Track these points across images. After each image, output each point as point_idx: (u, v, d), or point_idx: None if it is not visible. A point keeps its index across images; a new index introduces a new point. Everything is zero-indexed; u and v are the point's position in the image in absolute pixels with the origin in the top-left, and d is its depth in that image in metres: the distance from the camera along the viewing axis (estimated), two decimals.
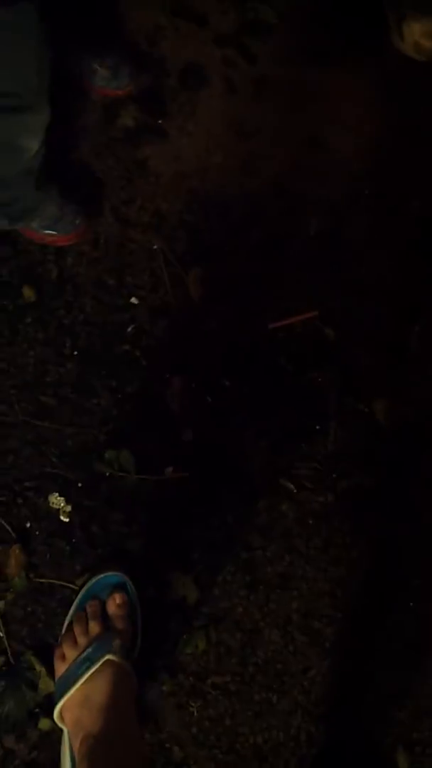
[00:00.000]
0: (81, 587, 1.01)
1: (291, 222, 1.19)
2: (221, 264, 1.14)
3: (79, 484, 1.05)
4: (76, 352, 1.08)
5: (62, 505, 1.03)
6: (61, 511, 1.03)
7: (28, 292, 1.07)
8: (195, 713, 1.06)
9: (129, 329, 1.10)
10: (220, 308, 1.13)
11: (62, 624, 1.00)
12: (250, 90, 1.19)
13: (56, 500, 1.03)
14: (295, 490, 1.13)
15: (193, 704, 1.06)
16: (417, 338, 1.21)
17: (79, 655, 0.94)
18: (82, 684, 0.91)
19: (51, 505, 1.03)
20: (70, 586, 1.02)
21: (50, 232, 1.05)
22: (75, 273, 1.09)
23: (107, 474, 1.05)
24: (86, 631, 0.96)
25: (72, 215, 1.05)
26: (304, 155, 1.21)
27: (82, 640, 0.95)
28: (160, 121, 1.15)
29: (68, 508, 1.04)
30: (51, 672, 0.98)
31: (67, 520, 1.04)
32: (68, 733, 0.92)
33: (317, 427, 1.15)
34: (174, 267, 1.12)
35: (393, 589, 1.16)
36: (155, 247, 1.12)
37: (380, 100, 1.24)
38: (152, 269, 1.11)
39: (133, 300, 1.10)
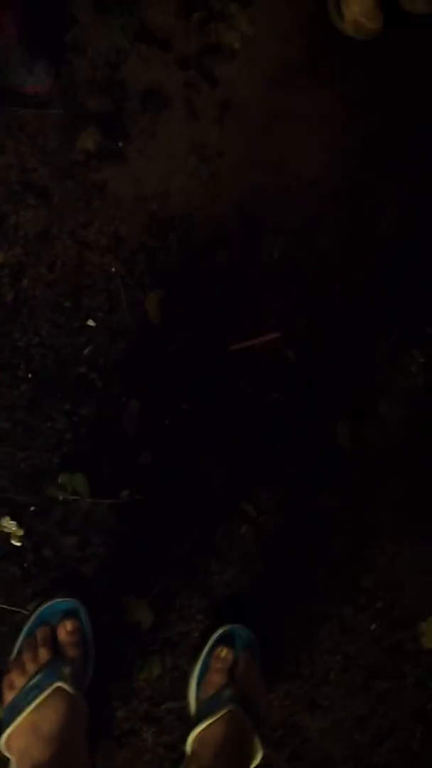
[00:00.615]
0: (32, 612, 1.01)
1: (254, 245, 1.19)
2: (181, 287, 1.14)
3: (32, 508, 1.04)
4: (30, 375, 1.08)
5: (14, 529, 1.03)
6: (12, 535, 1.03)
7: None
8: (149, 739, 1.05)
9: (85, 351, 1.10)
10: (179, 331, 1.13)
11: (12, 650, 0.99)
12: (212, 113, 1.20)
13: (8, 524, 1.03)
14: (255, 514, 1.12)
15: (147, 730, 1.05)
16: (380, 361, 1.21)
17: (28, 682, 0.93)
18: (30, 712, 0.91)
19: (2, 529, 1.03)
20: (21, 611, 1.02)
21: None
22: (31, 295, 1.09)
23: (60, 498, 1.05)
24: (36, 658, 0.95)
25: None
26: (268, 178, 1.21)
27: (31, 667, 0.95)
28: (120, 144, 1.15)
29: (20, 532, 1.03)
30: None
31: (18, 544, 1.03)
32: (15, 762, 0.91)
33: (278, 450, 1.15)
34: (132, 289, 1.12)
35: (354, 612, 1.16)
36: (113, 269, 1.12)
37: (345, 120, 1.25)
38: (110, 291, 1.12)
39: (90, 322, 1.10)
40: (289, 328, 1.18)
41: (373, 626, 1.17)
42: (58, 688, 0.91)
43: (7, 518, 1.03)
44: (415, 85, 1.27)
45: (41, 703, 0.91)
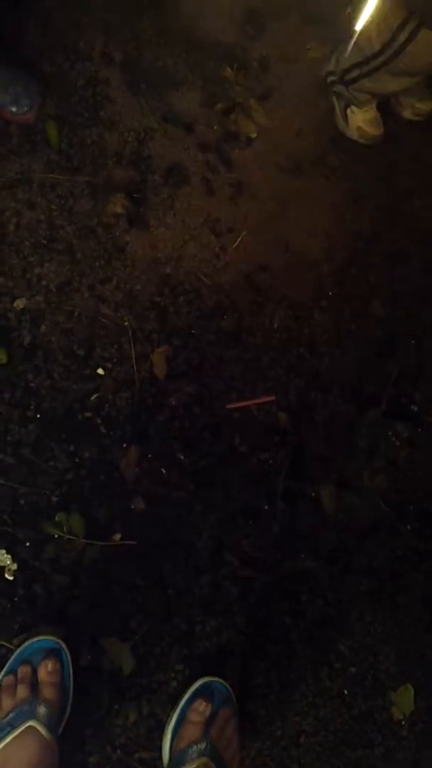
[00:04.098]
0: (17, 648, 1.02)
1: (256, 314, 1.27)
2: (186, 345, 1.21)
3: (27, 543, 1.07)
4: (39, 415, 1.12)
5: (8, 562, 1.05)
6: (6, 569, 1.05)
7: (0, 355, 1.12)
8: None
9: (92, 398, 1.15)
10: (181, 386, 1.19)
11: None
12: (226, 192, 1.30)
13: (3, 557, 1.05)
14: (238, 567, 1.15)
15: None
16: (366, 432, 1.27)
17: (2, 718, 0.93)
18: (0, 749, 0.90)
19: None
20: (7, 645, 1.03)
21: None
22: (47, 341, 1.15)
23: (55, 536, 1.08)
24: (13, 695, 0.96)
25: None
26: (274, 255, 1.31)
27: (7, 704, 0.95)
28: (141, 210, 1.24)
29: (14, 567, 1.05)
30: None
31: (11, 578, 1.05)
32: None
33: (265, 507, 1.19)
34: (142, 344, 1.19)
35: (328, 675, 1.17)
36: (126, 323, 1.19)
37: (347, 209, 1.36)
38: (121, 344, 1.18)
39: (100, 371, 1.16)
40: (283, 393, 1.24)
41: (345, 691, 1.18)
42: (31, 727, 0.91)
43: (3, 551, 1.05)
44: (412, 183, 1.39)
45: (12, 741, 0.90)
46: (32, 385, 1.13)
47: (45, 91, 1.23)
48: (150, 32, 1.32)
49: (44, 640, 1.01)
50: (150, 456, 1.15)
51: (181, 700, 1.05)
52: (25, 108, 1.17)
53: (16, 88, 1.16)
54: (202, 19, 1.34)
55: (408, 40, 1.04)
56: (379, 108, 1.36)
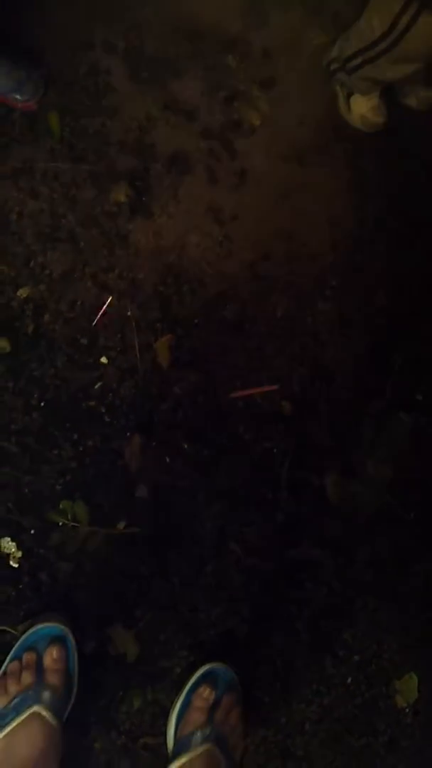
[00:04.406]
0: (21, 634, 1.02)
1: (259, 303, 1.27)
2: (190, 334, 1.21)
3: (32, 531, 1.07)
4: (42, 404, 1.13)
5: (13, 550, 1.06)
6: (11, 557, 1.06)
7: (3, 343, 1.13)
8: None
9: (96, 386, 1.15)
10: (184, 375, 1.19)
11: None
12: (230, 181, 1.30)
13: (7, 545, 1.05)
14: (242, 555, 1.15)
15: (122, 764, 1.05)
16: (370, 421, 1.27)
17: (7, 704, 0.94)
18: (5, 734, 0.91)
19: (2, 549, 1.06)
20: (12, 631, 1.03)
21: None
22: (51, 329, 1.16)
23: (60, 524, 1.08)
24: (18, 681, 0.96)
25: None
26: (277, 244, 1.30)
27: (12, 690, 0.96)
28: (144, 199, 1.24)
29: (18, 554, 1.06)
30: None
31: (16, 565, 1.06)
32: None
33: (269, 496, 1.19)
34: (145, 333, 1.19)
35: (332, 663, 1.18)
36: (129, 313, 1.19)
37: (350, 198, 1.35)
38: (124, 333, 1.18)
39: (103, 360, 1.17)
40: (287, 382, 1.24)
41: (349, 679, 1.19)
42: (36, 713, 0.92)
43: (8, 539, 1.05)
44: (416, 172, 1.39)
45: (17, 727, 0.91)
46: (36, 374, 1.14)
47: (48, 79, 1.23)
48: (152, 21, 1.31)
49: (49, 626, 1.02)
50: (154, 444, 1.15)
51: (185, 685, 1.05)
52: (29, 95, 1.17)
53: (20, 75, 1.16)
54: (204, 7, 1.34)
55: (409, 25, 1.04)
56: (382, 96, 1.35)
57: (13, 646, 1.01)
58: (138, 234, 1.23)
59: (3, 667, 1.01)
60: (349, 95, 1.35)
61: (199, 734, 0.97)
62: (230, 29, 1.34)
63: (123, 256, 1.21)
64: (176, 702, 1.04)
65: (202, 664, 1.07)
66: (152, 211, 1.25)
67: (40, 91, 1.20)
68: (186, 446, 1.17)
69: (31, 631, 1.02)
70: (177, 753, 0.98)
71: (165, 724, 1.06)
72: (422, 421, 1.27)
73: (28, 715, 0.92)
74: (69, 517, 1.07)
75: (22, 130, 1.21)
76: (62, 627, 1.02)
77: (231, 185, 1.30)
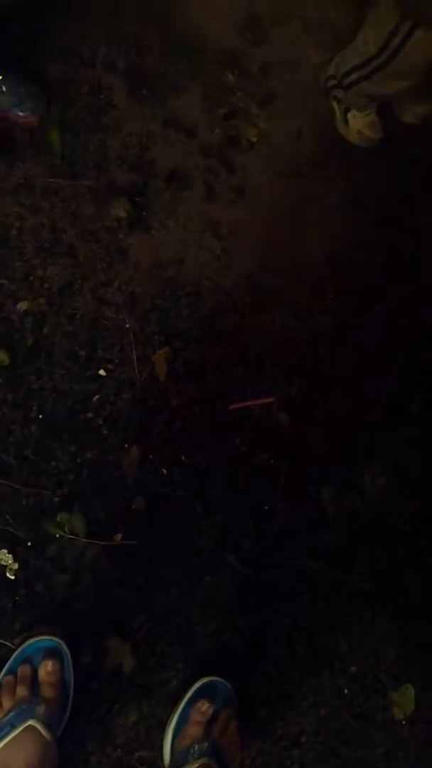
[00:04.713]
0: (17, 647, 1.02)
1: (257, 315, 1.28)
2: (187, 347, 1.23)
3: (29, 543, 1.08)
4: (41, 416, 1.14)
5: (9, 562, 1.06)
6: (8, 568, 1.06)
7: (2, 356, 1.14)
8: None
9: (94, 399, 1.17)
10: (182, 387, 1.20)
11: None
12: (228, 196, 1.31)
13: (4, 557, 1.06)
14: (240, 567, 1.16)
15: None
16: (367, 434, 1.28)
17: (2, 718, 0.94)
18: (0, 748, 0.91)
19: None
20: (8, 644, 1.04)
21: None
22: (50, 342, 1.17)
23: (57, 536, 1.09)
24: (13, 695, 0.96)
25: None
26: (275, 257, 1.31)
27: (7, 703, 0.96)
28: (144, 214, 1.26)
29: (15, 566, 1.06)
30: None
31: (12, 577, 1.06)
32: None
33: (266, 508, 1.20)
34: (143, 346, 1.20)
35: (329, 675, 1.18)
36: (127, 326, 1.20)
37: (348, 211, 1.37)
38: (122, 346, 1.19)
39: (102, 372, 1.18)
40: (284, 394, 1.25)
41: (346, 691, 1.19)
42: (31, 726, 0.91)
43: (5, 551, 1.06)
44: (412, 185, 1.40)
45: (12, 741, 0.91)
46: (34, 386, 1.15)
47: (50, 96, 1.25)
48: (153, 39, 1.33)
49: (44, 639, 1.02)
50: (151, 456, 1.16)
51: (182, 699, 1.05)
52: (30, 111, 1.19)
53: (22, 91, 1.18)
54: (203, 25, 1.36)
55: (404, 42, 1.06)
56: (379, 112, 1.37)
57: (8, 659, 1.01)
58: (137, 248, 1.25)
59: None
60: (346, 111, 1.36)
61: (196, 748, 0.97)
62: (229, 46, 1.37)
63: (122, 270, 1.23)
64: (173, 715, 1.04)
65: (199, 676, 1.07)
66: (151, 226, 1.26)
67: (42, 107, 1.22)
68: (183, 458, 1.18)
69: (26, 644, 1.02)
70: (174, 767, 0.98)
71: (161, 738, 1.06)
72: (418, 433, 1.28)
73: (23, 729, 0.91)
74: (66, 529, 1.08)
75: (23, 146, 1.23)
76: (57, 640, 1.01)
77: (229, 200, 1.32)
